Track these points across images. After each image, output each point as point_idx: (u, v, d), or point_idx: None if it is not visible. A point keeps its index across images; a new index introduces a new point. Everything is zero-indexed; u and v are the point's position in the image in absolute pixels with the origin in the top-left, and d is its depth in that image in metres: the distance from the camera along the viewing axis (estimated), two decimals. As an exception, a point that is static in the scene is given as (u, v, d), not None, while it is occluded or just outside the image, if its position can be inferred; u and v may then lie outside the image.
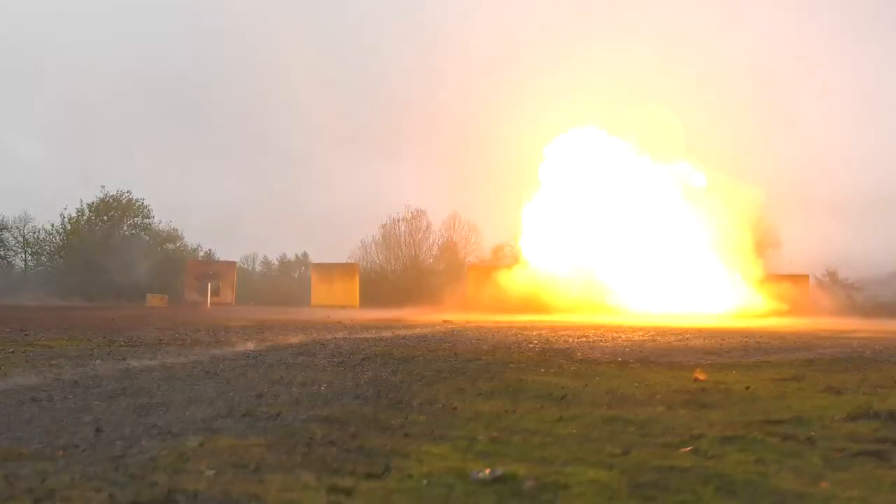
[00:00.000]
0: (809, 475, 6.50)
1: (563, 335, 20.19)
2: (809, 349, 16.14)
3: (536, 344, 16.21)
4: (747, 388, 10.94)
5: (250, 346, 14.96)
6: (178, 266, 50.02)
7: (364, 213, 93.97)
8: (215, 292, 46.30)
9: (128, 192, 51.66)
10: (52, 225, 51.30)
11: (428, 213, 76.26)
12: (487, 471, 6.33)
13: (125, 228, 53.07)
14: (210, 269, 48.81)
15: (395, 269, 74.37)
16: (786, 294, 44.49)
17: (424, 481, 6.12)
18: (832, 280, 46.35)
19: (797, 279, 49.13)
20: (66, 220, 50.63)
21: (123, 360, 12.62)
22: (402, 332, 18.36)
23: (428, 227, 76.73)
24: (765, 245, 50.50)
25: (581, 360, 13.86)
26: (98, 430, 7.49)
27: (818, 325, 32.15)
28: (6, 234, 50.98)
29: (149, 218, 52.44)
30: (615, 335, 20.65)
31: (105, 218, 51.86)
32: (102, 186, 51.63)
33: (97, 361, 12.47)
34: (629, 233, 49.06)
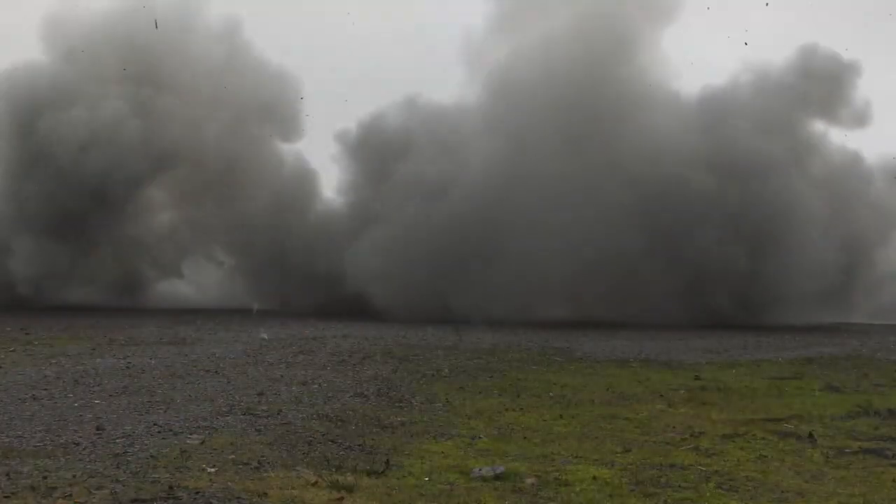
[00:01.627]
0: (810, 472, 6.52)
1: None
2: (808, 347, 16.16)
3: (536, 342, 16.23)
4: (747, 386, 10.96)
5: (250, 343, 14.98)
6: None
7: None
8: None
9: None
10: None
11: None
12: (488, 468, 6.35)
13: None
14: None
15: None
16: None
17: (426, 478, 6.13)
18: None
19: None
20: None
21: (125, 358, 12.62)
22: (403, 331, 18.37)
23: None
24: None
25: (581, 358, 13.87)
26: (99, 427, 7.51)
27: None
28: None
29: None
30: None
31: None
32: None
33: (98, 360, 12.47)
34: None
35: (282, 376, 10.98)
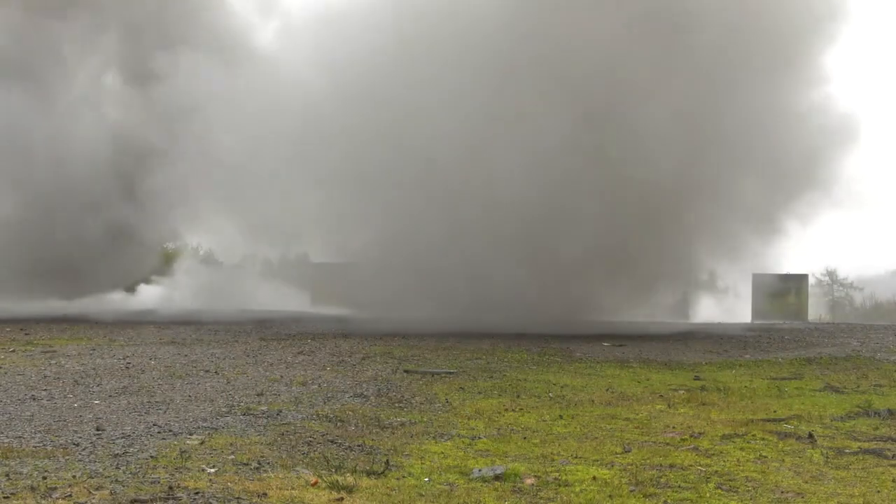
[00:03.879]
0: (810, 473, 6.52)
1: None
2: (808, 348, 16.14)
3: (535, 343, 16.23)
4: (747, 386, 10.96)
5: (249, 344, 14.98)
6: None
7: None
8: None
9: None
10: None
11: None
12: (488, 468, 6.35)
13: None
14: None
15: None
16: None
17: (425, 479, 6.14)
18: (831, 279, 46.43)
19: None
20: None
21: (124, 358, 12.62)
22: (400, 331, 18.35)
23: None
24: None
25: (580, 358, 13.87)
26: (99, 428, 7.51)
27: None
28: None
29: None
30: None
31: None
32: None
33: (98, 360, 12.48)
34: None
35: (281, 377, 10.98)
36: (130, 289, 26.97)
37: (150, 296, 26.82)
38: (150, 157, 21.89)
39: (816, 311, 31.14)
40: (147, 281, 27.77)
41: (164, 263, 28.88)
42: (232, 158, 20.13)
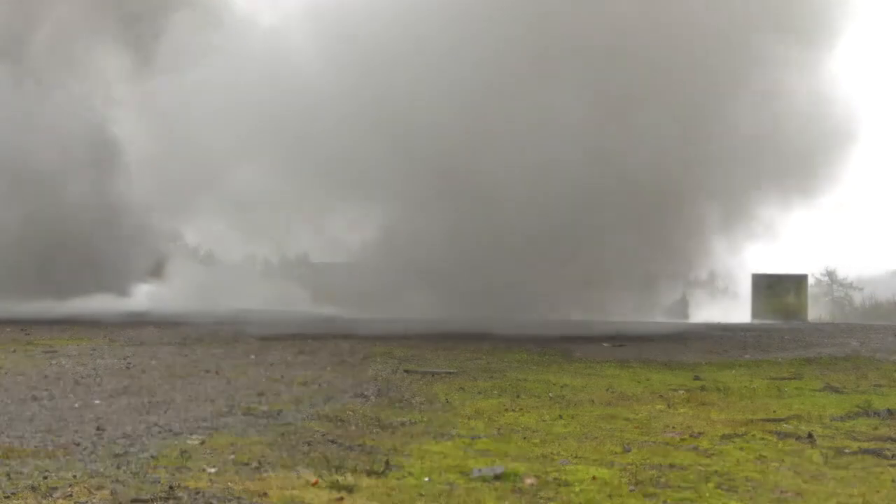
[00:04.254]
0: (809, 473, 6.53)
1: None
2: (808, 348, 16.16)
3: (535, 343, 16.24)
4: (746, 386, 10.97)
5: (249, 344, 14.99)
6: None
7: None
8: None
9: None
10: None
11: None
12: (488, 468, 6.35)
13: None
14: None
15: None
16: None
17: (425, 479, 6.14)
18: (831, 279, 46.38)
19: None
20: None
21: (125, 358, 12.63)
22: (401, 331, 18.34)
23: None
24: None
25: (580, 358, 13.89)
26: (100, 428, 7.52)
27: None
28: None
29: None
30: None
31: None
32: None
33: (98, 360, 12.49)
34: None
35: (282, 376, 10.98)
36: (130, 289, 26.98)
37: (149, 296, 26.81)
38: (144, 154, 21.88)
39: (816, 311, 31.10)
40: (146, 281, 27.79)
41: (164, 263, 28.85)
42: (229, 155, 20.07)
